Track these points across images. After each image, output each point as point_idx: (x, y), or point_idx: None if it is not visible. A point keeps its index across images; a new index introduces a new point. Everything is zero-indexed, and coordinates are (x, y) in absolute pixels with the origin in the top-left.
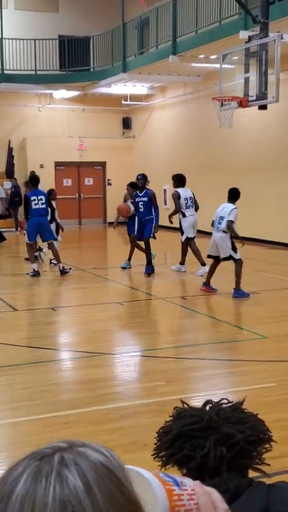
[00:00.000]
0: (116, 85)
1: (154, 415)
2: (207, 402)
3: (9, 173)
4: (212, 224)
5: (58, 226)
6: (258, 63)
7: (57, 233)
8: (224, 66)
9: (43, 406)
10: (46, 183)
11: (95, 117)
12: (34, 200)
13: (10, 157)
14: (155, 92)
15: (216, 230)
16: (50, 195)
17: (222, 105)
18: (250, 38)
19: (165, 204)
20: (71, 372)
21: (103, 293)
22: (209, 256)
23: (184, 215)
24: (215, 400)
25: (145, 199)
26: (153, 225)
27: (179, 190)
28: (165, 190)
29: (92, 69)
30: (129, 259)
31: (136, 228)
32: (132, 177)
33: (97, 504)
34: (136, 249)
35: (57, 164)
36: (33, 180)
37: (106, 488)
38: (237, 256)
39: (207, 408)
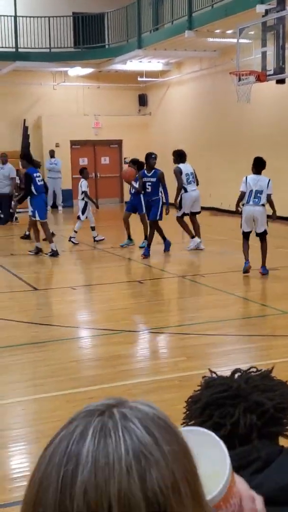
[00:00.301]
0: (131, 62)
1: (177, 390)
2: (236, 371)
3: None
4: (242, 196)
5: (86, 206)
6: (275, 37)
7: (83, 212)
8: (241, 40)
9: (66, 382)
10: (62, 162)
11: (110, 95)
12: (39, 176)
13: (26, 136)
14: (171, 68)
15: (254, 204)
16: (82, 173)
17: (239, 79)
18: (266, 12)
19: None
20: (93, 349)
21: (122, 272)
22: (245, 234)
23: (186, 191)
24: (244, 369)
25: (154, 179)
26: (160, 206)
27: (181, 165)
28: None
29: (107, 46)
30: (146, 238)
31: (143, 205)
32: None
33: (165, 455)
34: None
35: (73, 143)
36: (28, 157)
37: (168, 439)
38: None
39: (236, 376)
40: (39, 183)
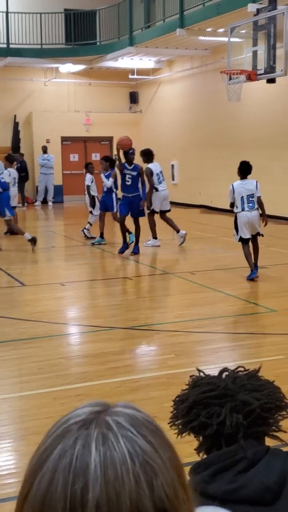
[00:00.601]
0: (123, 59)
1: (165, 388)
2: (223, 370)
3: (15, 148)
4: (232, 205)
5: (94, 199)
6: (266, 36)
7: (93, 206)
8: (232, 39)
9: (54, 379)
10: (54, 158)
11: (101, 92)
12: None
13: (16, 132)
14: (162, 66)
15: (250, 209)
16: (87, 168)
17: (230, 78)
18: (258, 11)
19: (173, 179)
20: (81, 346)
21: (112, 269)
22: (245, 241)
23: (157, 190)
24: (231, 368)
25: (135, 173)
26: (141, 202)
27: (150, 165)
28: (172, 166)
29: (98, 43)
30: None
31: (114, 203)
32: (139, 152)
33: (164, 461)
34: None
35: (64, 139)
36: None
37: (161, 444)
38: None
39: (223, 376)
40: (1, 181)
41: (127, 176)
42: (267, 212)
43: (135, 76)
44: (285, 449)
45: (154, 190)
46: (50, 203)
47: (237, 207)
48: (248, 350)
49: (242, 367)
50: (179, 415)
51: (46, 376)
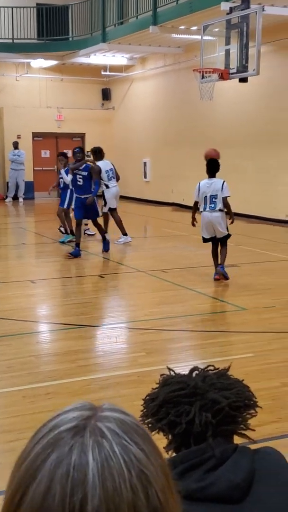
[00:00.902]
0: (95, 55)
1: (135, 386)
2: (194, 369)
3: None
4: (195, 205)
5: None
6: (239, 35)
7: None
8: (205, 38)
9: (23, 377)
10: (25, 154)
11: (73, 88)
12: None
13: None
14: (135, 63)
15: (211, 210)
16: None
17: (203, 77)
18: (231, 10)
19: (145, 177)
20: (51, 344)
21: (83, 266)
22: (206, 240)
23: (107, 187)
24: (202, 367)
25: (85, 173)
26: (88, 198)
27: (100, 163)
28: (145, 163)
29: (70, 39)
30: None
31: (67, 200)
32: (112, 149)
33: (156, 468)
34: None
35: (35, 135)
36: None
37: (152, 450)
38: (230, 234)
39: (194, 375)
40: None
41: (78, 176)
42: (240, 211)
43: (108, 73)
44: (253, 447)
45: (105, 187)
46: (21, 200)
47: (200, 206)
48: (218, 348)
49: (212, 365)
50: (149, 413)
51: (15, 374)
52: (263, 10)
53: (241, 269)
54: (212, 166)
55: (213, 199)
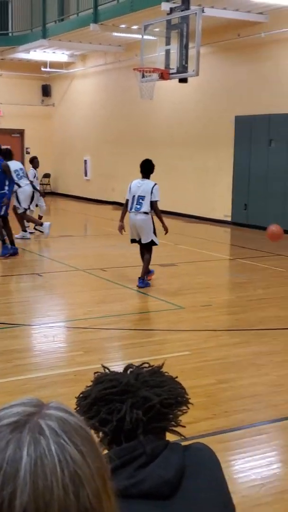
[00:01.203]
0: (35, 51)
1: (72, 385)
2: (128, 367)
3: None
4: (127, 204)
5: (33, 195)
6: (179, 35)
7: (31, 201)
8: (146, 37)
9: None
10: None
11: (13, 83)
12: None
13: None
14: (75, 60)
15: (136, 212)
16: (32, 162)
17: (143, 76)
18: (171, 10)
19: (86, 175)
20: None
21: (22, 264)
22: (133, 241)
23: (19, 186)
24: (137, 364)
25: None
26: (4, 199)
27: (9, 163)
28: (85, 161)
29: (10, 34)
30: None
31: None
32: (52, 146)
33: (91, 470)
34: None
35: None
36: None
37: (90, 452)
38: (157, 241)
39: (128, 372)
40: None
41: None
42: (179, 210)
43: (48, 69)
44: (184, 444)
45: (18, 187)
46: None
47: (128, 206)
48: (155, 346)
49: (147, 363)
50: (81, 411)
51: None
52: (203, 11)
53: (179, 268)
54: (146, 166)
55: (140, 200)
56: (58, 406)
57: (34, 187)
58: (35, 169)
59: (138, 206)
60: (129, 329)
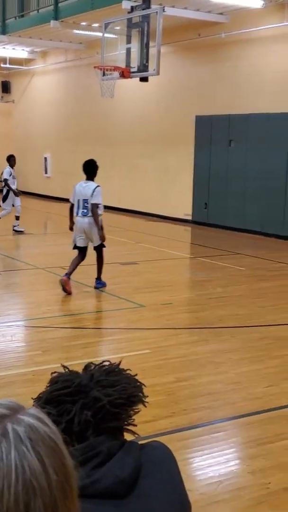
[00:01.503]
0: None
1: (30, 384)
2: (87, 366)
3: None
4: (72, 208)
5: (8, 194)
6: (140, 34)
7: (4, 200)
8: (106, 35)
9: None
10: None
11: None
12: None
13: None
14: (36, 57)
15: (83, 216)
16: (9, 161)
17: (104, 74)
18: (132, 9)
19: (46, 172)
20: None
21: None
22: (76, 248)
23: None
24: (96, 363)
25: None
26: None
27: None
28: (45, 158)
29: None
30: None
31: None
32: (12, 143)
33: (50, 483)
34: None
35: None
36: None
37: (55, 465)
38: (105, 243)
39: (85, 372)
40: None
41: None
42: (140, 209)
43: (8, 65)
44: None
45: None
46: None
47: (75, 210)
48: (116, 345)
49: (108, 361)
50: None
51: None
52: (164, 11)
53: (139, 267)
54: (89, 167)
55: (85, 204)
56: (34, 413)
57: (8, 186)
58: (12, 167)
59: (85, 211)
60: (89, 327)
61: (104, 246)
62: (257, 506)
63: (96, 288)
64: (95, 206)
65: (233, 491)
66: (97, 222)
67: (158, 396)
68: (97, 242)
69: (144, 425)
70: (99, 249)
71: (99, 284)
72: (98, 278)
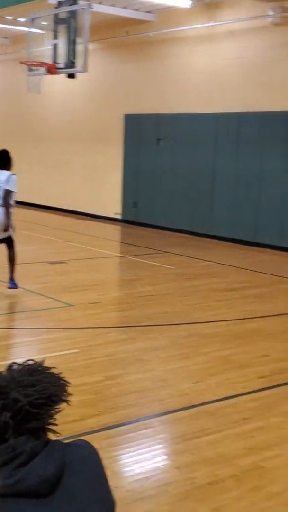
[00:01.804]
0: None
1: None
2: (10, 366)
3: None
4: None
5: None
6: (67, 30)
7: None
8: (33, 30)
9: None
10: None
11: None
12: None
13: None
14: None
15: None
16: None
17: (30, 70)
18: (59, 4)
19: None
20: None
21: None
22: None
23: None
24: (20, 363)
25: None
26: None
27: None
28: None
29: None
30: None
31: None
32: None
33: None
34: None
35: None
36: None
37: None
38: (14, 236)
39: (6, 372)
40: None
41: None
42: (69, 207)
43: None
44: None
45: None
46: None
47: None
48: (43, 345)
49: (32, 359)
50: None
51: None
52: (91, 7)
53: (68, 266)
54: (1, 158)
55: None
56: None
57: None
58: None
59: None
60: (16, 328)
61: (10, 240)
62: (183, 500)
63: (10, 288)
64: (8, 193)
65: (159, 486)
66: (8, 211)
67: (85, 395)
68: (4, 235)
69: (71, 424)
70: (9, 242)
71: (13, 284)
72: (12, 279)
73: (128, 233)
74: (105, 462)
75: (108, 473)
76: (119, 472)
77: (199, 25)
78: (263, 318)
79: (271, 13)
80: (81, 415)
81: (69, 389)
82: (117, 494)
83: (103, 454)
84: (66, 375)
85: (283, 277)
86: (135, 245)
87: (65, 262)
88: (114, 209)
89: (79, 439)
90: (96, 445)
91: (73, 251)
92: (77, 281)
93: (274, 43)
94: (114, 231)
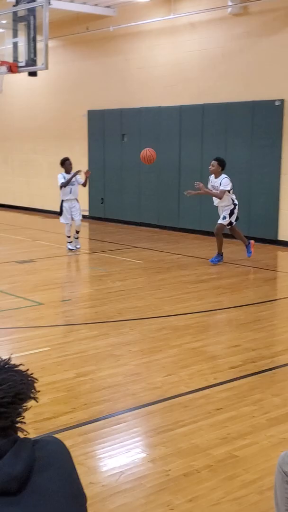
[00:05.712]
0: None
1: None
2: None
3: None
4: None
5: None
6: (27, 28)
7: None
8: None
9: None
10: None
11: None
12: None
13: None
14: None
15: None
16: (63, 165)
17: None
18: (17, 2)
19: None
20: None
21: None
22: None
23: None
24: None
25: None
26: None
27: None
28: None
29: None
30: None
31: None
32: None
33: None
34: None
35: None
36: None
37: None
38: None
39: None
40: None
41: None
42: (36, 206)
43: None
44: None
45: None
46: None
47: None
48: (14, 344)
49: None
50: None
51: None
52: (50, 3)
53: (38, 264)
54: None
55: None
56: None
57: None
58: (67, 172)
59: None
60: None
61: None
62: (158, 493)
63: None
64: None
65: (134, 480)
66: None
67: (58, 393)
68: None
69: (44, 422)
70: None
71: None
72: None
73: (96, 229)
74: (80, 458)
75: (83, 469)
76: (94, 468)
77: (160, 18)
78: (233, 308)
79: (230, 3)
80: (54, 413)
81: (42, 387)
82: (92, 490)
83: (77, 451)
84: (38, 374)
85: (251, 267)
86: (104, 241)
87: (33, 261)
88: (82, 206)
89: (48, 435)
90: (70, 441)
91: (41, 250)
92: (47, 279)
93: (234, 34)
94: (82, 228)
